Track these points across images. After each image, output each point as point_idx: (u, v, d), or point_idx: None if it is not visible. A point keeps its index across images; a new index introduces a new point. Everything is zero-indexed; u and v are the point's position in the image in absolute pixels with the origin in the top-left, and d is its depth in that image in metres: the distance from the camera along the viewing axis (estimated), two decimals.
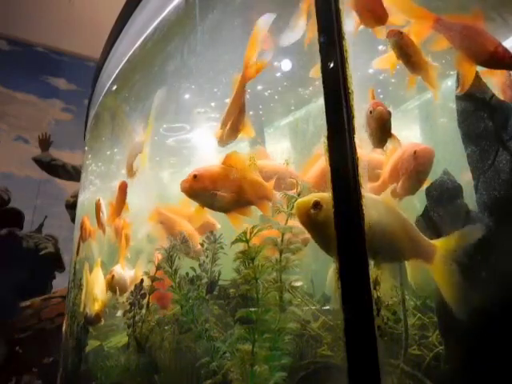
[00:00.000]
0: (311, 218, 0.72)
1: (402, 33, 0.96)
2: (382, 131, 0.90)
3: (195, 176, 1.03)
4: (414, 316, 1.02)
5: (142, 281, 1.30)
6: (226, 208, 1.04)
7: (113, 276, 1.50)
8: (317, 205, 0.72)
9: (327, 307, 1.14)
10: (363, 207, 0.67)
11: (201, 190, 1.03)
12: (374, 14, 0.93)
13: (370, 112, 0.89)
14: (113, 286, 1.51)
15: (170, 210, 1.40)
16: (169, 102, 1.66)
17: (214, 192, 1.02)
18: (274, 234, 0.96)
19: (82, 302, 1.76)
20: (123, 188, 1.54)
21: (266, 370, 0.90)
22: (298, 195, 0.95)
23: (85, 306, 1.69)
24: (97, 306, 1.51)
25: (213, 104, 1.50)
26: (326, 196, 0.71)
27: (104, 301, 1.56)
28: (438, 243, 0.77)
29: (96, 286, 1.62)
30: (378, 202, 0.77)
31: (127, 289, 1.50)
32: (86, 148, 2.60)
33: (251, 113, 1.69)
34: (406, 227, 0.77)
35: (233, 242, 0.99)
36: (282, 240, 0.95)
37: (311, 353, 1.02)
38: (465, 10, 1.01)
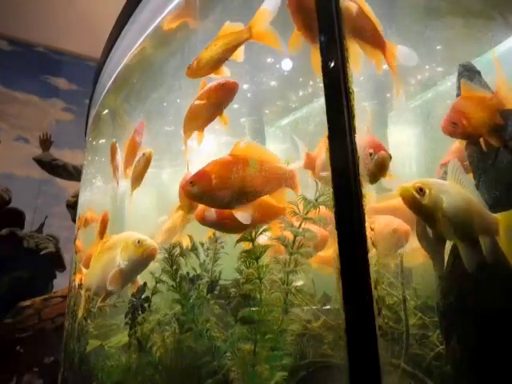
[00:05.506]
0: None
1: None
2: (380, 173, 0.90)
3: None
4: (414, 316, 1.02)
5: (144, 284, 1.29)
6: None
7: None
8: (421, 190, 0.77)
9: (328, 307, 1.13)
10: (364, 207, 0.67)
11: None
12: None
13: (370, 154, 0.86)
14: None
15: None
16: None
17: None
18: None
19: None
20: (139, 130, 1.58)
21: (267, 369, 0.89)
22: (316, 200, 0.94)
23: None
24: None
25: None
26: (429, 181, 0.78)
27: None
28: (500, 216, 0.81)
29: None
30: (447, 186, 0.81)
31: None
32: (87, 148, 2.60)
33: (251, 112, 1.69)
34: (474, 205, 0.81)
35: (238, 241, 0.99)
36: (293, 242, 0.93)
37: (312, 352, 1.01)
38: (465, 10, 1.00)
